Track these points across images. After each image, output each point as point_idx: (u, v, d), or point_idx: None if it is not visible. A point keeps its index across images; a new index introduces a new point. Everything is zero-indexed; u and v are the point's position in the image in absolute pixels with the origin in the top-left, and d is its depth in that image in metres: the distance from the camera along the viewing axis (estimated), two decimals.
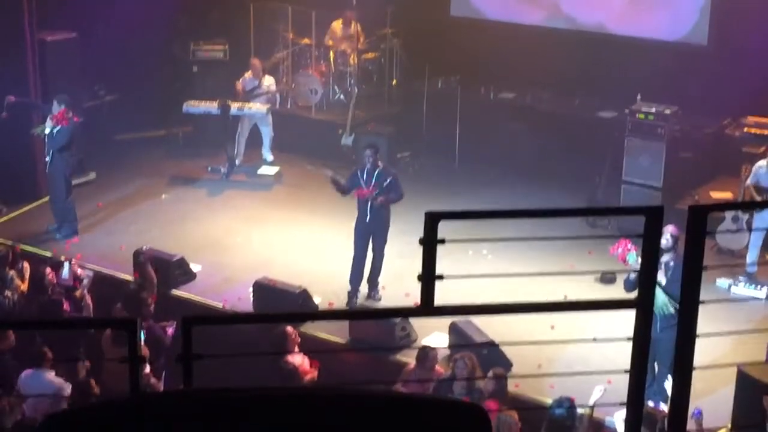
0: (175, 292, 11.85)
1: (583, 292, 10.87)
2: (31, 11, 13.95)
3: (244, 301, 11.61)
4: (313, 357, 9.85)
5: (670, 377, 8.76)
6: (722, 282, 11.89)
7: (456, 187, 14.64)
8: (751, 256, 12.11)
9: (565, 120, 15.03)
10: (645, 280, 3.56)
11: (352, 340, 10.90)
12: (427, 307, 3.52)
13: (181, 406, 2.90)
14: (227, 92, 15.66)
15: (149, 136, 16.59)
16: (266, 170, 15.49)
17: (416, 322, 10.95)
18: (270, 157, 15.75)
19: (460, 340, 10.42)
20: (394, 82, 16.91)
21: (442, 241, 3.48)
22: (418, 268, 3.53)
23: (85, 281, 10.77)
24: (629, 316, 3.60)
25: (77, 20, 15.01)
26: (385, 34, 16.58)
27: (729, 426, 8.48)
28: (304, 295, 11.31)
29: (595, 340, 9.69)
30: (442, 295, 3.58)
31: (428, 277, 3.49)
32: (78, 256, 12.13)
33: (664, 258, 9.41)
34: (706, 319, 3.70)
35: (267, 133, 15.72)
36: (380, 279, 11.79)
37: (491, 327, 10.46)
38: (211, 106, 15.27)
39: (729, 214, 12.44)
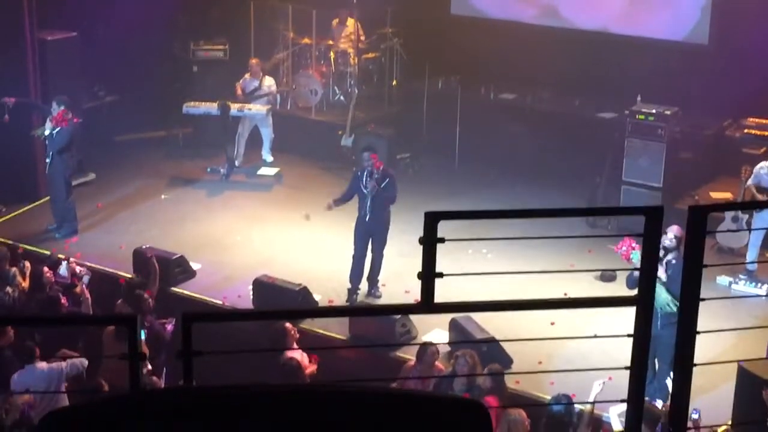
0: (175, 289, 11.86)
1: (583, 291, 10.89)
2: (31, 10, 13.94)
3: (244, 298, 11.62)
4: (313, 353, 9.86)
5: (671, 374, 8.77)
6: (722, 280, 11.92)
7: (456, 187, 14.64)
8: (751, 255, 12.18)
9: (566, 120, 15.03)
10: (645, 279, 3.57)
11: (352, 337, 10.91)
12: (427, 304, 3.52)
13: (182, 403, 2.90)
14: (227, 92, 15.66)
15: (149, 136, 16.60)
16: (266, 171, 15.49)
17: (416, 319, 10.97)
18: (270, 158, 15.75)
19: (460, 337, 10.43)
20: (394, 82, 16.91)
21: (442, 240, 3.49)
22: (418, 267, 3.53)
23: (85, 278, 10.79)
24: (629, 313, 3.60)
25: (77, 20, 15.02)
26: (386, 34, 16.59)
27: (730, 422, 8.49)
28: (304, 293, 11.32)
29: (595, 336, 9.74)
30: (442, 294, 3.59)
31: (428, 275, 3.50)
32: (77, 255, 12.15)
33: (668, 257, 9.49)
34: (706, 317, 3.71)
35: (267, 134, 15.72)
36: (380, 277, 11.81)
37: (492, 324, 10.48)
38: (211, 107, 15.27)
39: (729, 214, 12.47)
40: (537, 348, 10.30)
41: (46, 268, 10.80)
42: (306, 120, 16.35)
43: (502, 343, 10.04)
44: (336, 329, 11.06)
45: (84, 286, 10.69)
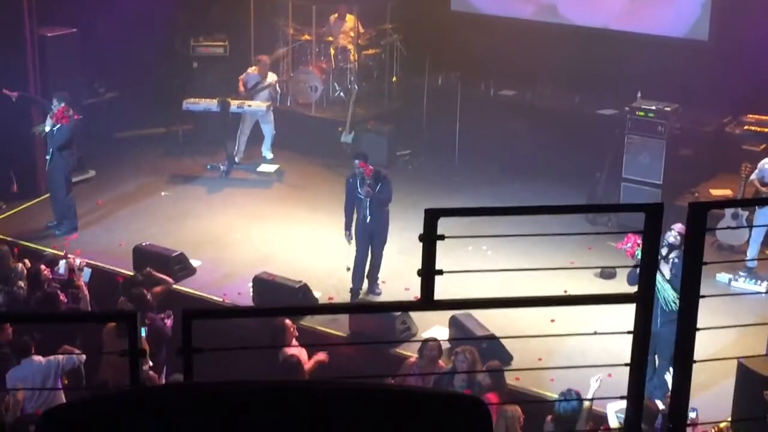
0: (175, 286, 11.85)
1: (583, 288, 10.88)
2: (31, 7, 13.94)
3: (244, 295, 11.62)
4: (312, 350, 9.86)
5: (671, 370, 8.76)
6: (722, 277, 11.91)
7: (456, 184, 14.64)
8: (752, 252, 12.17)
9: (566, 117, 15.02)
10: (645, 276, 3.57)
11: (352, 334, 10.92)
12: (427, 301, 3.52)
13: (182, 399, 2.90)
14: (228, 88, 15.64)
15: (149, 133, 16.57)
16: (266, 168, 15.48)
17: (417, 316, 10.97)
18: (270, 155, 15.73)
19: (460, 334, 10.43)
20: (394, 79, 16.89)
21: (442, 237, 3.49)
22: (418, 264, 3.53)
23: (86, 271, 10.79)
24: (629, 310, 3.60)
25: (77, 16, 15.00)
26: (386, 30, 16.57)
27: (730, 419, 8.49)
28: (304, 290, 11.32)
29: (595, 333, 9.73)
30: (442, 291, 3.59)
31: (428, 272, 3.50)
32: (77, 252, 12.14)
33: (672, 254, 9.48)
34: (706, 314, 3.71)
35: (269, 131, 15.69)
36: (380, 274, 11.81)
37: (492, 321, 10.48)
38: (211, 104, 15.25)
39: (729, 211, 12.47)
40: (537, 345, 10.31)
41: (43, 266, 10.79)
42: (306, 116, 16.33)
43: (502, 340, 10.03)
44: (336, 326, 11.06)
45: (83, 281, 10.69)
